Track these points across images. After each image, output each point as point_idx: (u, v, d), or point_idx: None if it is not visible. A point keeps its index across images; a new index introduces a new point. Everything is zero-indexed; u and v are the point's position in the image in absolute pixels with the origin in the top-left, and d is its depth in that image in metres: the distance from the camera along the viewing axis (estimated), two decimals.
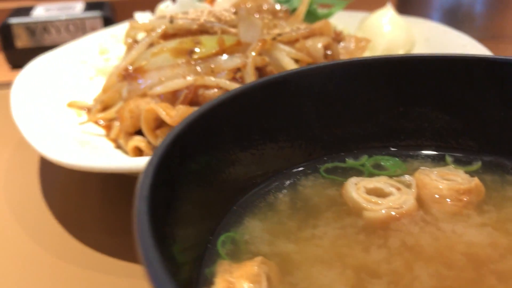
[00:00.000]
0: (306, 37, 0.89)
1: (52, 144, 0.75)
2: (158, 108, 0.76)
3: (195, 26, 0.89)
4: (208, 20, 0.90)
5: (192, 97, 0.78)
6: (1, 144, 1.04)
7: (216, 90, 0.79)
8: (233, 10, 1.13)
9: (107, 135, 0.92)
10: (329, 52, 0.89)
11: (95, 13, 1.61)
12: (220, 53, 0.83)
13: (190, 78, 0.79)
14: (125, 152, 0.85)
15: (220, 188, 0.48)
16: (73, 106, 0.99)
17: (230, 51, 0.84)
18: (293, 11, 1.15)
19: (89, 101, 1.01)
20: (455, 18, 1.54)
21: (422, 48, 1.17)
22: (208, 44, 0.84)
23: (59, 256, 0.71)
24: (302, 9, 1.06)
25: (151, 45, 0.88)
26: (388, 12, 1.20)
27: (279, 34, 0.90)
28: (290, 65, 0.83)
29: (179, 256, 0.39)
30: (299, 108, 0.55)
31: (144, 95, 0.83)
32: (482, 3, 1.53)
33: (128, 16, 1.76)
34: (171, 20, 0.89)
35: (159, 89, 0.80)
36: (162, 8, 1.18)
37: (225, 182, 0.49)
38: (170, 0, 1.32)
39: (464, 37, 1.10)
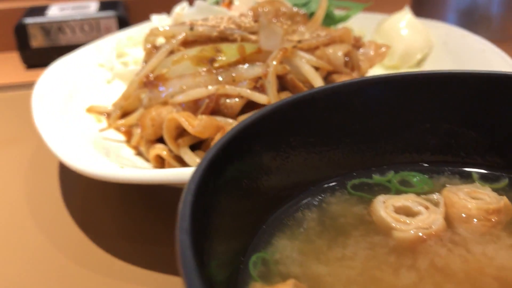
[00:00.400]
0: (326, 44, 0.89)
1: (77, 153, 0.76)
2: (181, 118, 0.76)
3: (215, 33, 0.89)
4: (228, 27, 0.90)
5: (213, 106, 0.79)
6: (21, 147, 1.05)
7: (237, 99, 0.79)
8: (251, 14, 1.13)
9: (128, 141, 0.93)
10: (348, 59, 0.89)
11: (110, 13, 1.61)
12: (240, 61, 0.83)
13: (211, 88, 0.79)
14: (146, 159, 0.86)
15: (252, 206, 0.49)
16: (92, 111, 0.99)
17: (251, 59, 0.85)
18: (311, 15, 1.15)
19: (108, 105, 1.02)
20: (471, 20, 1.53)
21: (439, 52, 1.17)
22: (228, 52, 0.84)
23: (78, 261, 0.72)
24: (320, 14, 1.05)
25: (171, 52, 0.88)
26: (405, 15, 1.19)
27: (299, 41, 0.90)
28: (311, 73, 0.83)
29: (216, 275, 0.39)
30: (327, 124, 0.55)
31: (165, 103, 0.83)
32: (499, 4, 1.52)
33: (142, 15, 1.76)
34: (192, 27, 0.89)
35: (181, 98, 0.80)
36: (178, 11, 1.18)
37: (257, 200, 0.49)
38: (186, 1, 1.32)
39: (482, 42, 1.10)
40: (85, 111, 0.99)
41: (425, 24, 1.21)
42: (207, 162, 0.41)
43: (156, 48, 0.98)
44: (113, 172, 0.68)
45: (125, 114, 0.98)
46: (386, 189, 0.56)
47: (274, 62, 0.80)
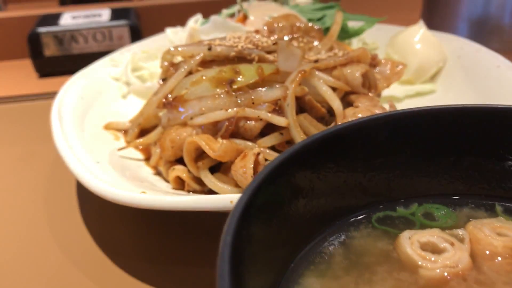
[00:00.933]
0: (344, 64, 0.89)
1: (96, 174, 0.76)
2: (201, 141, 0.77)
3: (233, 53, 0.90)
4: (246, 47, 0.90)
5: (233, 129, 0.79)
6: (39, 161, 1.06)
7: (256, 122, 0.80)
8: (266, 28, 1.13)
9: (146, 160, 0.94)
10: (365, 79, 0.90)
11: (122, 22, 1.62)
12: (259, 82, 0.84)
13: (231, 110, 0.79)
14: (165, 179, 0.87)
15: (283, 241, 0.50)
16: (109, 128, 1.00)
17: (269, 79, 0.85)
18: (325, 29, 1.15)
19: (125, 121, 1.03)
20: (483, 30, 1.53)
21: (453, 66, 1.17)
22: (247, 73, 0.85)
23: (98, 282, 0.73)
24: (335, 29, 1.06)
25: (189, 72, 0.89)
26: (419, 29, 1.19)
27: (316, 61, 0.90)
28: (328, 94, 0.84)
29: None
30: (355, 157, 0.56)
31: (184, 124, 0.84)
32: (511, 14, 1.52)
33: (153, 23, 1.77)
34: (210, 47, 0.90)
35: (200, 120, 0.81)
36: (193, 25, 1.19)
37: (288, 234, 0.50)
38: (200, 14, 1.33)
39: (497, 57, 1.10)
40: (103, 128, 1.00)
41: (439, 37, 1.21)
42: (249, 195, 0.42)
43: (173, 65, 0.98)
44: (135, 197, 0.69)
45: (142, 131, 0.99)
46: (410, 223, 0.56)
47: (293, 85, 0.80)
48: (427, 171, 0.59)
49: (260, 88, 0.81)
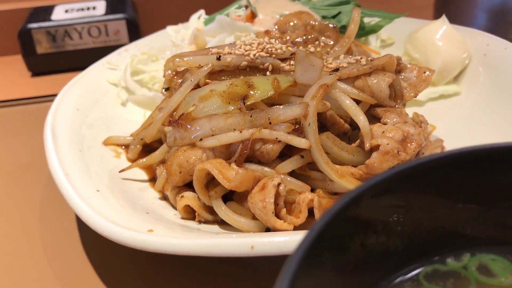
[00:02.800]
0: (368, 73, 0.80)
1: (97, 206, 0.68)
2: (213, 170, 0.68)
3: (244, 63, 0.81)
4: (259, 55, 0.81)
5: (248, 152, 0.71)
6: (34, 176, 0.97)
7: (274, 144, 0.72)
8: (277, 28, 1.04)
9: (150, 180, 0.86)
10: (390, 89, 0.81)
11: (118, 15, 1.51)
12: (275, 97, 0.75)
13: (245, 132, 0.71)
14: (172, 205, 0.79)
15: None
16: (109, 144, 0.92)
17: (286, 93, 0.77)
18: (341, 28, 1.06)
19: (125, 135, 0.94)
20: (503, 20, 1.43)
21: (478, 65, 1.08)
22: (261, 87, 0.76)
23: None
24: (353, 29, 0.96)
25: (197, 84, 0.80)
26: (442, 25, 1.10)
27: (337, 69, 0.81)
28: (353, 110, 0.75)
29: None
30: (406, 207, 0.48)
31: (193, 145, 0.75)
32: None
33: (152, 15, 1.67)
34: (218, 56, 0.81)
35: (211, 142, 0.73)
36: (196, 24, 1.09)
37: None
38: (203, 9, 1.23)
39: None
40: (102, 143, 0.91)
41: (462, 32, 1.12)
42: (306, 248, 0.37)
43: (177, 74, 0.89)
44: (141, 239, 0.61)
45: (145, 144, 0.91)
46: (463, 280, 0.48)
47: (314, 102, 0.71)
48: (480, 216, 0.51)
49: (278, 106, 0.73)
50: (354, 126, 0.79)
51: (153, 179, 0.86)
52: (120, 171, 0.82)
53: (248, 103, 0.75)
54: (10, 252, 0.79)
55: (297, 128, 0.73)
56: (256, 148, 0.72)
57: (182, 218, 0.75)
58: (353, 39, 0.97)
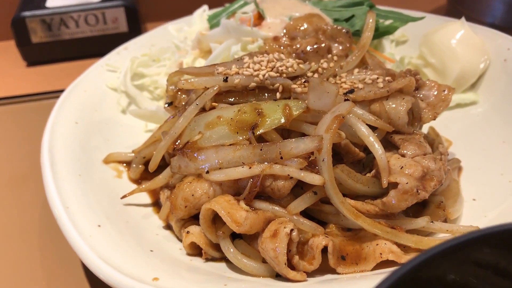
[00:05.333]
0: (385, 96, 0.75)
1: (98, 243, 0.65)
2: (221, 211, 0.64)
3: (253, 84, 0.76)
4: (268, 76, 0.76)
5: (258, 190, 0.67)
6: (32, 187, 0.93)
7: (286, 181, 0.67)
8: (285, 32, 0.98)
9: (153, 204, 0.82)
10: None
11: (116, 2, 1.43)
12: (286, 125, 0.71)
13: (256, 167, 0.67)
14: (177, 236, 0.75)
15: None
16: (109, 161, 0.87)
17: (298, 119, 0.72)
18: (354, 32, 1.00)
19: (127, 152, 0.90)
20: None
21: (498, 71, 1.02)
22: (271, 114, 0.71)
23: None
24: (367, 37, 0.90)
25: (202, 108, 0.75)
26: (460, 28, 1.04)
27: (351, 91, 0.76)
28: (370, 140, 0.70)
29: None
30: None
31: (199, 175, 0.71)
32: None
33: (152, 1, 1.59)
34: (226, 77, 0.75)
35: (219, 177, 0.68)
36: (199, 24, 1.03)
37: None
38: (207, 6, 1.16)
39: None
40: (103, 162, 0.87)
41: (481, 34, 1.05)
42: None
43: (181, 91, 0.84)
44: None
45: (147, 159, 0.87)
46: None
47: (329, 135, 0.67)
48: None
49: (289, 140, 0.68)
50: (369, 150, 0.74)
51: (156, 203, 0.82)
52: (122, 197, 0.78)
53: (258, 133, 0.70)
54: (7, 269, 0.76)
55: (310, 160, 0.68)
56: (267, 185, 0.68)
57: (188, 254, 0.71)
58: (367, 47, 0.91)
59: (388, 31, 1.05)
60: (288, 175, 0.67)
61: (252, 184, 0.67)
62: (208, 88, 0.75)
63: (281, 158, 0.67)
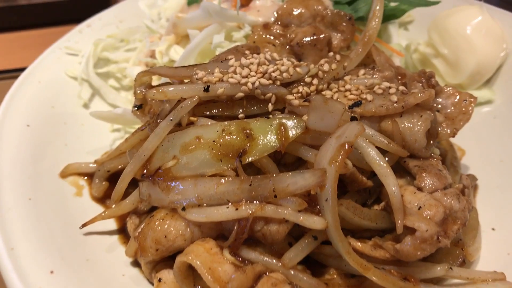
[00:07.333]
0: (399, 112, 0.62)
1: None
2: (200, 267, 0.52)
3: (240, 94, 0.62)
4: (259, 85, 0.62)
5: (246, 236, 0.55)
6: None
7: (280, 225, 0.55)
8: (277, 17, 0.83)
9: (120, 230, 0.70)
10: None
11: None
12: (281, 149, 0.58)
13: (244, 209, 0.54)
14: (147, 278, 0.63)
15: None
16: (67, 174, 0.74)
17: (295, 140, 0.59)
18: (357, 19, 0.86)
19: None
20: None
21: None
22: (263, 136, 0.58)
23: None
24: (375, 28, 0.76)
25: (178, 123, 0.61)
26: (477, 14, 0.90)
27: (358, 103, 0.63)
28: (379, 165, 0.58)
29: None
30: None
31: (173, 210, 0.58)
32: None
33: None
34: (207, 86, 0.61)
35: (197, 217, 0.56)
36: (178, 13, 0.87)
37: None
38: None
39: None
40: (59, 176, 0.73)
41: (501, 19, 0.91)
42: None
43: (152, 88, 0.69)
44: None
45: (112, 173, 0.74)
46: None
47: (334, 168, 0.54)
48: None
49: (285, 173, 0.55)
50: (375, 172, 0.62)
51: (123, 230, 0.70)
52: (82, 227, 0.65)
53: (246, 160, 0.57)
54: None
55: (309, 197, 0.56)
56: (257, 229, 0.56)
57: None
58: (373, 40, 0.77)
59: (394, 14, 0.91)
60: (284, 218, 0.54)
61: (240, 229, 0.55)
62: (185, 99, 0.61)
63: (275, 196, 0.55)
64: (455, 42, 0.89)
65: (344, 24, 0.82)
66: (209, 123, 0.61)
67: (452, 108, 0.69)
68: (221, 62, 0.66)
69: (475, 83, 0.89)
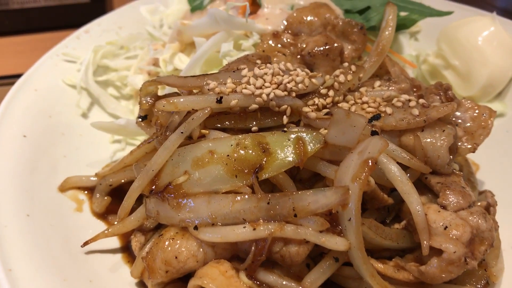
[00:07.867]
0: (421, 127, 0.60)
1: None
2: None
3: (254, 106, 0.59)
4: (274, 96, 0.59)
5: (264, 258, 0.51)
6: None
7: (300, 246, 0.52)
8: (286, 26, 0.80)
9: (123, 248, 0.66)
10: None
11: None
12: (300, 164, 0.54)
13: (261, 229, 0.51)
14: None
15: None
16: (67, 188, 0.70)
17: (314, 156, 0.56)
18: (369, 28, 0.83)
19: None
20: None
21: None
22: (280, 151, 0.55)
23: None
24: (388, 38, 0.74)
25: (189, 136, 0.58)
26: (489, 25, 0.88)
27: (377, 116, 0.60)
28: (401, 182, 0.55)
29: None
30: None
31: (184, 228, 0.55)
32: None
33: None
34: (220, 97, 0.58)
35: (211, 237, 0.52)
36: (184, 20, 0.83)
37: None
38: None
39: None
40: (58, 190, 0.69)
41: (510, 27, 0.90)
42: None
43: (158, 98, 0.66)
44: None
45: (114, 188, 0.70)
46: None
47: (358, 185, 0.51)
48: None
49: (305, 191, 0.52)
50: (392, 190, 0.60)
51: (127, 248, 0.66)
52: (84, 245, 0.61)
53: (263, 176, 0.54)
54: None
55: (330, 216, 0.53)
56: (275, 251, 0.52)
57: None
58: (387, 51, 0.74)
59: (405, 24, 0.89)
60: (304, 239, 0.51)
61: (257, 250, 0.51)
62: (197, 110, 0.58)
63: (295, 215, 0.51)
64: (467, 53, 0.87)
65: (355, 33, 0.79)
66: (222, 136, 0.58)
67: (471, 122, 0.67)
68: (233, 72, 0.63)
69: (487, 95, 0.87)
